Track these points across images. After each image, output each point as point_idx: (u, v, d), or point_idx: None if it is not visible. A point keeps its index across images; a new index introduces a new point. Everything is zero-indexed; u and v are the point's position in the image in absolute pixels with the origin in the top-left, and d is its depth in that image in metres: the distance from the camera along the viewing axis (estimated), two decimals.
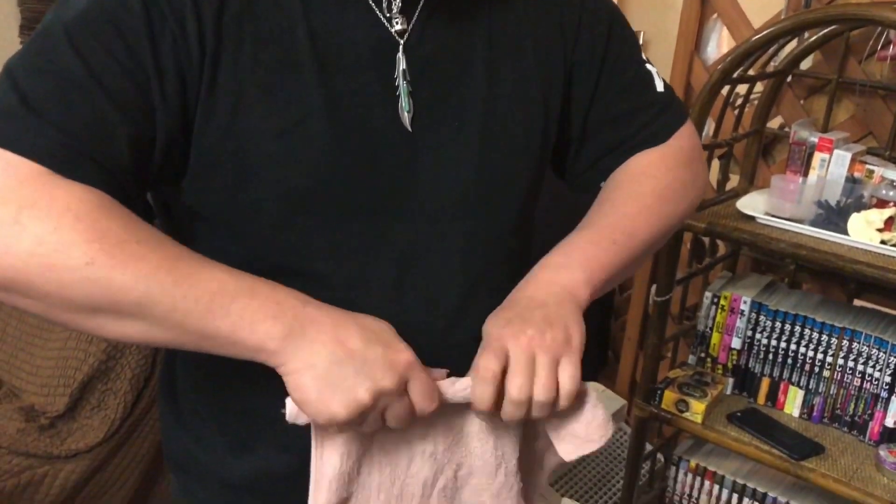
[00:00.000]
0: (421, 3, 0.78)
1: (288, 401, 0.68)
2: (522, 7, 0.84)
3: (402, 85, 0.76)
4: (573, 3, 0.86)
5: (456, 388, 0.72)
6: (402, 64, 0.76)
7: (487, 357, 0.71)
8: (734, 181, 1.70)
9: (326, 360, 0.66)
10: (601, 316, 2.65)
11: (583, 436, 0.77)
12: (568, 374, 0.72)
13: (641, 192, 0.86)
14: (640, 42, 2.82)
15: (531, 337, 0.72)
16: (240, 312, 0.64)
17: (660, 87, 0.90)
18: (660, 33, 2.79)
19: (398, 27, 0.76)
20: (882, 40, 1.43)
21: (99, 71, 0.66)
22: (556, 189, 0.97)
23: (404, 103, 0.77)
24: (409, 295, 0.79)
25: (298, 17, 0.73)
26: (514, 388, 0.71)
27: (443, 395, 0.71)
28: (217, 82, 0.70)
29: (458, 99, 0.79)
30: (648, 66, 0.90)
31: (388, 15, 0.76)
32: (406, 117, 0.77)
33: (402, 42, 0.77)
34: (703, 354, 1.62)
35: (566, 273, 0.79)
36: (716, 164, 1.67)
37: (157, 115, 0.69)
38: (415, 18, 0.78)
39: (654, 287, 1.56)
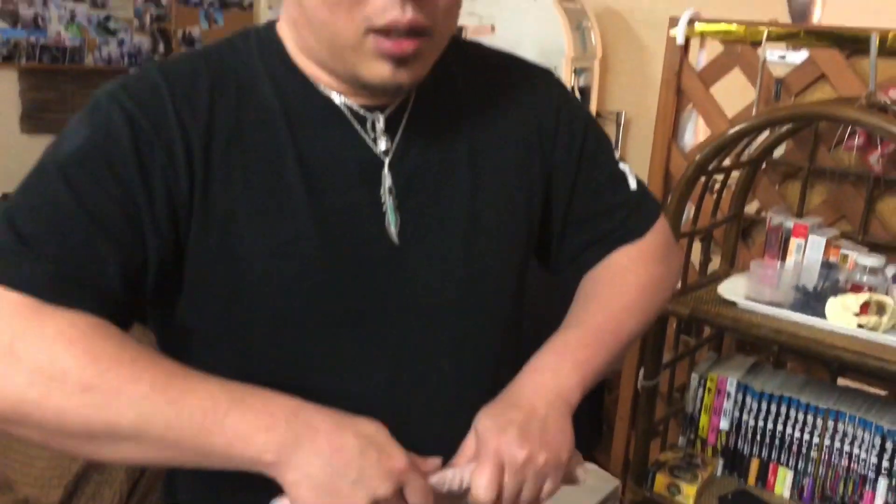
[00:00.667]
0: (403, 122, 0.82)
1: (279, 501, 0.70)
2: (502, 118, 0.88)
3: (389, 201, 0.80)
4: (550, 111, 0.90)
5: (451, 484, 0.75)
6: (387, 181, 0.80)
7: (487, 477, 0.74)
8: (715, 262, 1.75)
9: (323, 470, 0.67)
10: (595, 391, 2.66)
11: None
12: (549, 490, 0.77)
13: (625, 290, 0.90)
14: (622, 122, 2.92)
15: (527, 458, 0.75)
16: (234, 427, 0.66)
17: (633, 185, 0.94)
18: (639, 113, 2.89)
19: (383, 147, 0.81)
20: (848, 131, 1.50)
21: (90, 204, 0.70)
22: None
23: (391, 218, 0.80)
24: (403, 398, 0.82)
25: (286, 142, 0.77)
26: (507, 498, 0.75)
27: (438, 491, 0.74)
28: (209, 207, 0.74)
29: (443, 210, 0.83)
30: (622, 165, 0.94)
31: (372, 136, 0.81)
32: (393, 231, 0.80)
33: (386, 160, 0.81)
34: (692, 436, 1.64)
35: (561, 378, 0.81)
36: (697, 246, 1.72)
37: (149, 242, 0.72)
38: (398, 137, 0.82)
39: (641, 371, 1.60)
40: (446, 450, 0.78)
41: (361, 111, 0.81)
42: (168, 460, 0.69)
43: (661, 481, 1.53)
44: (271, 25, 0.83)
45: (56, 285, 0.67)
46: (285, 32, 0.81)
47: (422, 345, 0.82)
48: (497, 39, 2.72)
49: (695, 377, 1.62)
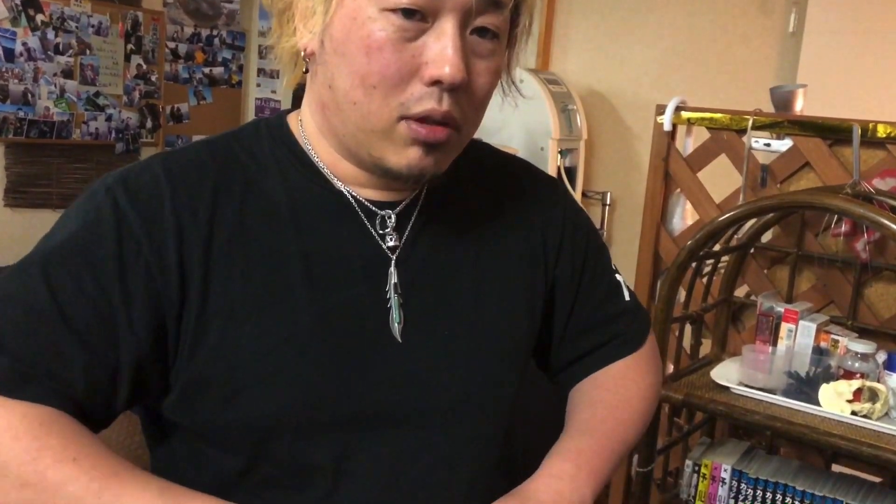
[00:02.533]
0: (412, 220, 0.82)
1: None
2: (509, 226, 0.89)
3: (394, 298, 0.79)
4: (557, 217, 0.92)
5: None
6: (393, 278, 0.79)
7: None
8: (706, 346, 1.75)
9: None
10: None
11: None
12: None
13: (629, 398, 0.91)
14: (608, 202, 2.96)
15: None
16: None
17: (627, 296, 0.97)
18: (625, 193, 2.94)
19: (391, 243, 0.80)
20: (834, 219, 1.53)
21: (63, 301, 0.69)
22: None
23: (395, 315, 0.79)
24: (398, 501, 0.79)
25: (291, 238, 0.76)
26: None
27: None
28: (207, 307, 0.73)
29: (448, 309, 0.82)
30: (617, 275, 0.97)
31: (381, 231, 0.80)
32: (397, 328, 0.79)
33: (394, 257, 0.80)
34: None
35: (579, 488, 0.81)
36: (688, 329, 1.73)
37: (123, 344, 0.71)
38: (406, 234, 0.82)
39: (635, 457, 1.58)
40: None
41: (372, 206, 0.81)
42: None
43: None
44: (282, 116, 0.83)
45: (14, 379, 0.67)
46: (305, 119, 0.81)
47: (421, 446, 0.80)
48: (484, 121, 2.76)
49: (688, 463, 1.61)
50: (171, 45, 3.53)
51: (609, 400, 0.91)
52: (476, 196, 0.88)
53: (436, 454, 0.81)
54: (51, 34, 3.08)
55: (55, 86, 3.13)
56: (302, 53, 0.76)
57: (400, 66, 0.70)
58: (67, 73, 3.17)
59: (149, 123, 3.48)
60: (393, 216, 0.81)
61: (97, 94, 3.29)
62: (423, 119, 0.72)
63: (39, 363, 0.68)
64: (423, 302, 0.81)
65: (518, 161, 0.96)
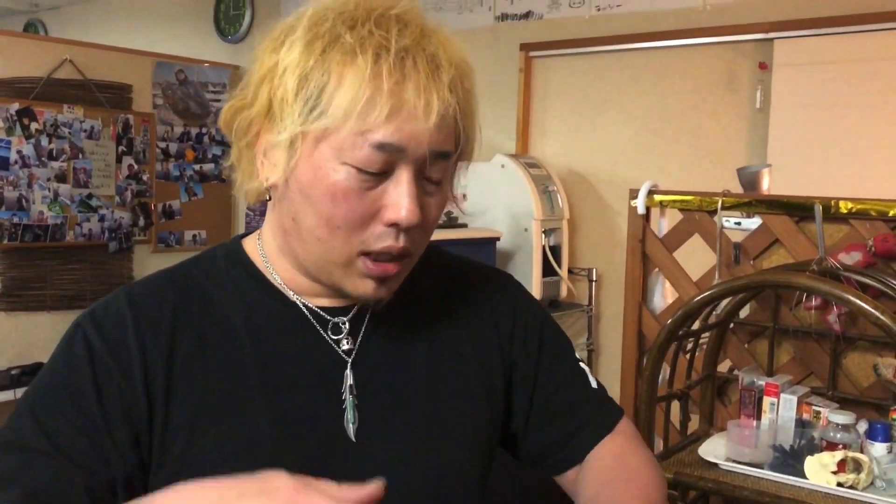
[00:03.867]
0: (366, 321, 0.87)
1: None
2: (460, 318, 0.93)
3: (349, 399, 0.84)
4: (507, 308, 0.96)
5: None
6: (349, 380, 0.84)
7: None
8: (695, 421, 1.78)
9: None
10: None
11: None
12: None
13: (635, 467, 0.91)
14: (594, 278, 3.01)
15: None
16: None
17: (594, 384, 0.98)
18: (610, 268, 3.00)
19: (346, 347, 0.85)
20: (805, 294, 1.58)
21: (56, 436, 0.75)
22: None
23: (350, 416, 0.83)
24: None
25: (247, 349, 0.82)
26: None
27: None
28: (170, 419, 0.78)
29: (403, 406, 0.86)
30: (582, 364, 0.99)
31: (335, 337, 0.85)
32: (351, 429, 0.83)
33: (349, 360, 0.85)
34: None
35: None
36: (675, 405, 1.76)
37: (113, 462, 0.76)
38: (360, 336, 0.87)
39: None
40: None
41: (326, 315, 0.86)
42: None
43: None
44: (237, 241, 0.90)
45: None
46: (266, 238, 0.87)
47: None
48: (469, 206, 2.85)
49: None
50: (162, 144, 3.63)
51: (619, 477, 0.91)
52: (426, 294, 0.93)
53: None
54: (44, 141, 3.17)
55: (49, 190, 3.21)
56: (265, 183, 0.81)
57: (363, 211, 0.77)
58: (61, 178, 3.25)
59: (141, 221, 3.55)
60: (346, 322, 0.86)
61: (90, 196, 3.36)
62: (381, 253, 0.78)
63: (49, 496, 0.72)
64: (377, 401, 0.85)
65: (469, 261, 1.01)
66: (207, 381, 0.80)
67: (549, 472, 0.99)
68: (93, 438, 0.75)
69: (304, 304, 0.86)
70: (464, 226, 2.75)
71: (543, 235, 2.81)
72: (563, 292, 2.92)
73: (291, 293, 0.86)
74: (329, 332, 0.85)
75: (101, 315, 0.81)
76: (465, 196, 2.85)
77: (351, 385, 0.84)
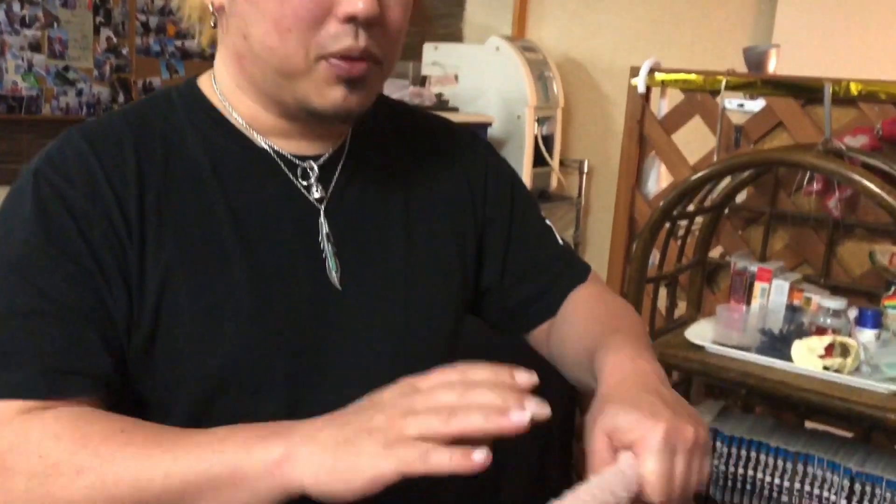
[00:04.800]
0: (337, 171, 0.83)
1: None
2: (433, 177, 0.90)
3: (328, 247, 0.80)
4: (479, 166, 0.94)
5: (603, 497, 0.61)
6: (324, 228, 0.81)
7: (663, 461, 0.62)
8: (682, 308, 1.76)
9: (336, 435, 0.61)
10: (564, 439, 2.65)
11: None
12: (707, 469, 0.67)
13: (612, 308, 0.90)
14: (585, 170, 2.96)
15: (695, 435, 0.64)
16: (234, 449, 0.63)
17: (560, 241, 0.98)
18: (602, 161, 2.94)
19: (317, 195, 0.81)
20: (807, 177, 1.53)
21: (56, 293, 0.69)
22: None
23: (331, 264, 0.80)
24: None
25: (217, 198, 0.77)
26: (681, 485, 0.63)
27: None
28: (145, 268, 0.73)
29: (380, 258, 0.83)
30: (547, 221, 0.99)
31: (305, 184, 0.81)
32: (335, 277, 0.80)
33: (322, 208, 0.81)
34: None
35: (644, 362, 0.73)
36: (663, 291, 1.73)
37: (112, 311, 0.72)
38: (332, 186, 0.82)
39: None
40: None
41: (295, 160, 0.81)
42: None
43: None
44: (192, 81, 0.83)
45: (46, 383, 0.67)
46: (220, 76, 0.81)
47: (362, 395, 0.80)
48: (460, 89, 2.76)
49: None
50: (142, 17, 3.46)
51: (603, 312, 0.89)
52: (398, 149, 0.89)
53: None
54: (16, 6, 3.01)
55: (23, 59, 3.07)
56: (210, 8, 0.76)
57: (312, 6, 0.70)
58: (35, 47, 3.11)
59: (121, 98, 3.42)
60: (315, 167, 0.81)
61: (66, 69, 3.23)
62: (342, 57, 0.72)
63: (65, 357, 0.68)
64: (356, 251, 0.82)
65: (437, 118, 0.98)
66: (179, 231, 0.74)
67: (521, 329, 0.97)
68: (94, 289, 0.70)
69: (272, 148, 0.80)
70: (454, 110, 2.66)
71: (536, 124, 2.73)
72: (554, 184, 2.87)
73: (256, 135, 0.80)
74: (298, 179, 0.81)
75: (63, 162, 0.74)
76: (456, 78, 2.75)
77: (328, 233, 0.80)
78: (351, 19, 0.70)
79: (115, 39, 3.38)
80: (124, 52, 3.43)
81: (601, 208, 2.94)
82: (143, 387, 0.76)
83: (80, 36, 3.27)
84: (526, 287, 0.95)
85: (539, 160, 2.77)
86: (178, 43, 3.63)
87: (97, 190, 0.72)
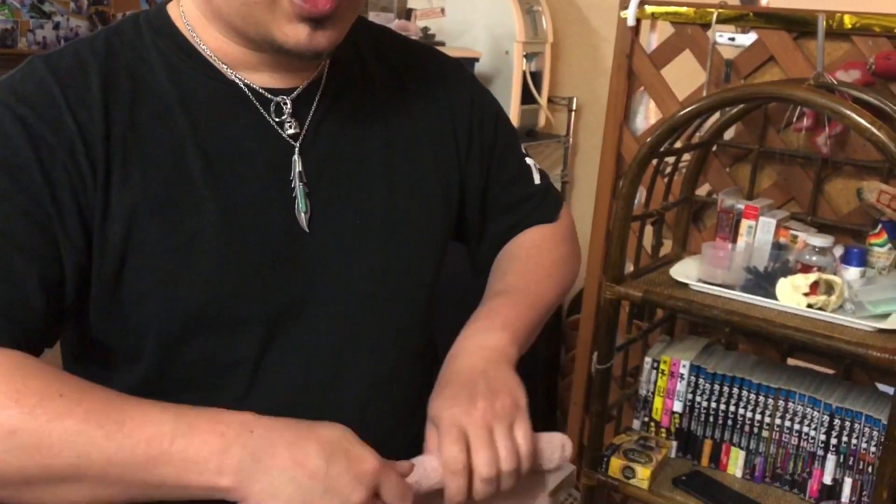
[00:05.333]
0: (314, 106, 0.79)
1: None
2: (416, 107, 0.87)
3: (299, 187, 0.77)
4: (464, 104, 0.91)
5: (427, 477, 0.71)
6: (297, 166, 0.77)
7: (451, 446, 0.70)
8: (667, 246, 1.75)
9: (289, 486, 0.63)
10: (548, 376, 2.67)
11: (547, 467, 0.79)
12: (522, 436, 0.73)
13: (541, 262, 0.93)
14: (574, 108, 2.91)
15: (483, 410, 0.72)
16: (182, 455, 0.62)
17: (537, 179, 0.98)
18: (591, 99, 2.89)
19: (291, 131, 0.78)
20: (797, 113, 1.51)
21: (2, 224, 0.66)
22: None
23: (301, 205, 0.77)
24: (316, 393, 0.79)
25: (186, 134, 0.74)
26: (483, 465, 0.70)
27: (416, 491, 0.70)
28: (110, 204, 0.70)
29: (358, 197, 0.80)
30: (528, 159, 0.98)
31: (278, 120, 0.77)
32: (303, 219, 0.77)
33: (296, 145, 0.78)
34: (646, 419, 1.64)
35: (493, 335, 0.81)
36: (649, 230, 1.72)
37: (63, 250, 0.69)
38: (308, 121, 0.79)
39: (595, 354, 1.59)
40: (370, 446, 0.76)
41: (266, 94, 0.77)
42: (117, 497, 0.64)
43: (615, 465, 1.53)
44: (161, 7, 0.79)
45: None
46: (186, 4, 0.77)
47: (335, 339, 0.79)
48: (447, 22, 2.69)
49: (647, 360, 1.62)
50: None
51: (520, 266, 0.92)
52: (380, 78, 0.86)
53: (355, 343, 0.80)
54: None
55: None
56: None
57: None
58: None
59: None
60: (289, 102, 0.78)
61: (42, 1, 3.14)
62: None
63: None
64: (331, 190, 0.79)
65: (422, 45, 0.95)
66: (146, 166, 0.71)
67: (481, 267, 0.98)
68: (43, 224, 0.67)
69: (242, 81, 0.76)
70: (441, 44, 2.60)
71: (525, 60, 2.67)
72: (542, 121, 2.82)
73: (225, 67, 0.76)
74: (272, 115, 0.77)
75: (26, 90, 0.70)
76: (443, 11, 2.68)
77: (300, 172, 0.77)
78: None
79: None
80: None
81: (590, 147, 2.91)
82: (108, 330, 0.74)
83: None
84: (493, 226, 0.95)
85: (527, 97, 2.72)
86: None
87: (60, 120, 0.69)
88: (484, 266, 0.97)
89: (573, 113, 2.93)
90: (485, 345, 0.80)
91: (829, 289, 1.38)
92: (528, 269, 0.92)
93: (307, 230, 0.77)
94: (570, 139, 2.95)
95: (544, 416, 2.47)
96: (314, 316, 0.78)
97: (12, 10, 3.07)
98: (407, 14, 2.64)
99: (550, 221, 0.98)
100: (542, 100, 2.78)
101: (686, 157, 1.69)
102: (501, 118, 0.96)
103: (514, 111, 2.68)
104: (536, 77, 2.74)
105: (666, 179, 1.69)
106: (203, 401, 0.71)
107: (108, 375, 0.75)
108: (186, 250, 0.72)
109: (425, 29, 2.55)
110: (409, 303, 0.85)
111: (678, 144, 1.57)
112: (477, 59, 2.58)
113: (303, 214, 0.77)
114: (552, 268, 0.94)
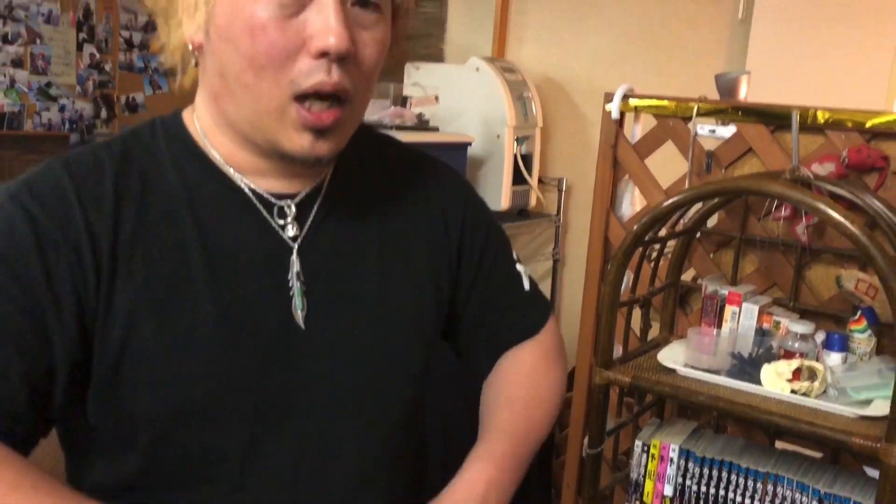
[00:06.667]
0: (314, 209, 0.84)
1: None
2: (412, 209, 0.91)
3: (297, 285, 0.81)
4: (458, 204, 0.95)
5: None
6: (295, 266, 0.81)
7: None
8: (655, 329, 1.79)
9: None
10: (543, 455, 2.67)
11: None
12: None
13: (541, 394, 0.97)
14: (563, 188, 2.99)
15: None
16: None
17: (527, 286, 1.01)
18: (580, 179, 2.97)
19: (292, 233, 0.82)
20: (775, 203, 1.57)
21: None
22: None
23: (298, 303, 0.81)
24: (304, 487, 0.81)
25: (191, 234, 0.78)
26: None
27: None
28: (113, 302, 0.74)
29: (352, 295, 0.84)
30: (518, 266, 1.01)
31: (281, 223, 0.82)
32: (300, 315, 0.81)
33: (295, 246, 0.82)
34: (637, 502, 1.65)
35: (504, 491, 0.86)
36: (637, 313, 1.76)
37: (56, 346, 0.72)
38: (308, 223, 0.83)
39: (586, 439, 1.61)
40: None
41: (271, 198, 0.82)
42: None
43: None
44: (177, 114, 0.84)
45: None
46: (200, 112, 0.82)
47: (325, 433, 0.82)
48: (441, 109, 2.78)
49: (638, 444, 1.64)
50: (125, 34, 3.47)
51: (523, 397, 0.95)
52: (379, 184, 0.90)
53: (344, 440, 0.83)
54: None
55: (4, 76, 3.07)
56: (190, 47, 0.77)
57: (285, 43, 0.71)
58: (17, 63, 3.11)
59: (103, 114, 3.43)
60: (292, 206, 0.82)
61: (49, 85, 3.24)
62: (314, 94, 0.73)
63: None
64: (327, 290, 0.83)
65: (418, 151, 0.99)
66: (149, 265, 0.75)
67: (472, 366, 1.01)
68: (37, 320, 0.70)
69: (249, 186, 0.81)
70: (435, 129, 2.68)
71: (516, 143, 2.75)
72: (533, 201, 2.90)
73: (234, 172, 0.81)
74: (275, 217, 0.81)
75: (40, 188, 0.75)
76: (437, 99, 2.78)
77: (298, 272, 0.81)
78: (323, 54, 0.72)
79: (98, 56, 3.38)
80: (107, 68, 3.44)
81: (580, 225, 2.97)
82: (104, 418, 0.77)
83: (63, 52, 3.27)
84: (481, 331, 0.98)
85: (518, 178, 2.79)
86: (162, 59, 3.62)
87: (70, 218, 0.73)
88: (475, 369, 1.00)
89: (563, 193, 3.00)
90: (495, 501, 0.84)
91: (812, 375, 1.41)
92: (529, 402, 0.95)
93: (303, 327, 0.80)
94: (561, 218, 3.01)
95: (539, 496, 2.46)
96: (304, 410, 0.81)
97: (20, 94, 3.17)
98: (403, 101, 2.73)
99: (539, 329, 1.01)
100: (533, 181, 2.85)
101: (671, 242, 1.75)
102: (493, 225, 1.00)
103: (505, 192, 2.75)
104: (527, 159, 2.82)
105: (652, 264, 1.74)
106: (194, 495, 0.73)
107: (103, 464, 0.78)
108: (183, 346, 0.75)
109: (420, 115, 2.63)
110: (399, 399, 0.87)
111: (663, 232, 1.63)
112: (470, 143, 2.67)
113: (299, 312, 0.81)
114: (550, 400, 0.97)
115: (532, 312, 1.01)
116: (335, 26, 0.71)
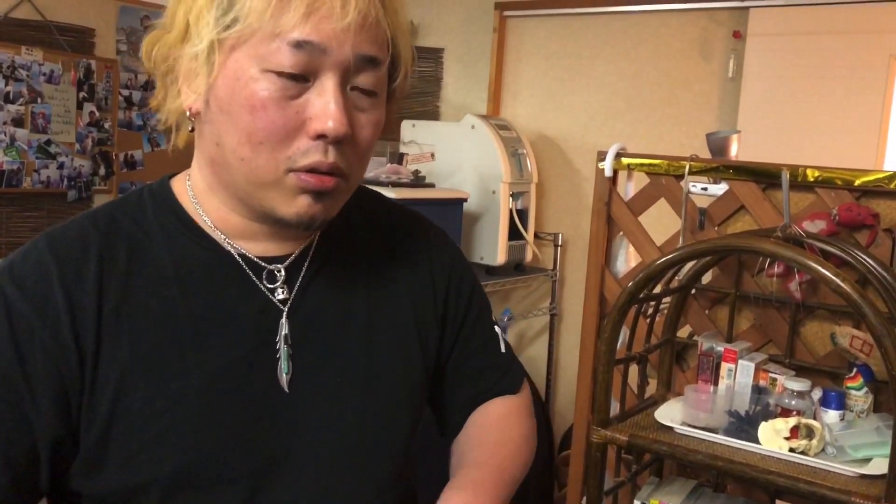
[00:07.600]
0: (302, 271, 0.84)
1: None
2: (400, 271, 0.92)
3: (283, 349, 0.81)
4: (444, 266, 0.96)
5: None
6: (284, 329, 0.81)
7: None
8: (652, 385, 1.78)
9: None
10: (543, 485, 2.63)
11: None
12: None
13: (511, 437, 0.96)
14: (559, 243, 3.00)
15: None
16: None
17: (503, 348, 1.02)
18: (576, 234, 2.99)
19: (281, 296, 0.82)
20: (768, 260, 1.58)
21: None
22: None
23: (284, 366, 0.81)
24: None
25: (178, 301, 0.78)
26: None
27: None
28: (98, 376, 0.74)
29: (339, 356, 0.84)
30: (496, 328, 1.02)
31: (270, 286, 0.82)
32: (284, 379, 0.81)
33: (284, 310, 0.82)
34: None
35: None
36: (634, 369, 1.75)
37: (36, 427, 0.72)
38: (297, 285, 0.84)
39: (584, 499, 1.59)
40: None
41: (261, 262, 0.82)
42: None
43: None
44: (165, 181, 0.85)
45: None
46: (195, 177, 0.83)
47: (316, 494, 0.82)
48: (437, 166, 2.82)
49: (637, 503, 1.62)
50: (125, 92, 3.53)
51: (494, 438, 0.95)
52: (367, 245, 0.91)
53: (334, 498, 0.83)
54: (1, 83, 3.06)
55: (5, 134, 3.11)
56: (187, 113, 0.78)
57: (285, 122, 0.73)
58: (18, 122, 3.15)
59: (102, 171, 3.46)
60: (282, 270, 0.83)
61: (48, 143, 3.27)
62: (311, 170, 0.74)
63: None
64: (313, 352, 0.83)
65: (409, 211, 1.00)
66: (136, 336, 0.75)
67: (446, 430, 1.01)
68: (12, 402, 0.71)
69: (238, 252, 0.81)
70: (431, 186, 2.71)
71: (511, 199, 2.78)
72: (529, 256, 2.91)
73: (223, 237, 0.81)
74: (264, 281, 0.82)
75: (21, 268, 0.75)
76: (433, 156, 2.81)
77: (286, 335, 0.81)
78: (321, 136, 0.73)
79: (97, 114, 3.43)
80: (107, 125, 3.48)
81: (576, 280, 2.98)
82: (94, 489, 0.76)
83: (63, 111, 3.32)
84: (460, 391, 0.98)
85: (514, 233, 2.81)
86: (160, 117, 3.67)
87: (48, 298, 0.73)
88: (451, 430, 1.00)
89: (559, 248, 3.02)
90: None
91: (810, 433, 1.40)
92: (499, 442, 0.94)
93: (287, 390, 0.81)
94: (558, 273, 3.02)
95: None
96: (294, 472, 0.80)
97: (19, 152, 3.20)
98: (399, 158, 2.76)
99: (515, 390, 1.01)
100: (529, 236, 2.87)
101: (667, 298, 1.75)
102: (477, 287, 1.01)
103: (501, 247, 2.77)
104: (522, 214, 2.85)
105: (648, 321, 1.74)
106: None
107: None
108: (171, 413, 0.75)
109: (416, 172, 2.66)
110: (387, 458, 0.87)
111: (657, 289, 1.64)
112: (465, 199, 2.69)
113: (284, 375, 0.81)
114: (521, 443, 0.97)
115: (508, 376, 1.01)
116: (334, 111, 0.72)
